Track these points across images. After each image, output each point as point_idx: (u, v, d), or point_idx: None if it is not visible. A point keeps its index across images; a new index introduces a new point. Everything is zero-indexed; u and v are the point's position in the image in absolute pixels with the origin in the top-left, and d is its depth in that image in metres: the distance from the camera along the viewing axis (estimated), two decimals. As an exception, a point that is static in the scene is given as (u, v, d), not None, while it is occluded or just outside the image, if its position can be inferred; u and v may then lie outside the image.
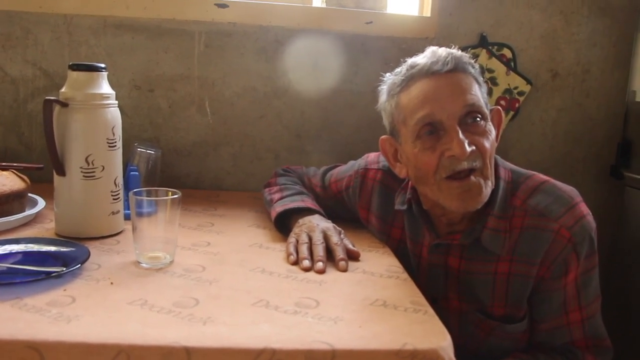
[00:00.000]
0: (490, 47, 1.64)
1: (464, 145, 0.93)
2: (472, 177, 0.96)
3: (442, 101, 0.96)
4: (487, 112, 1.00)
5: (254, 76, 1.59)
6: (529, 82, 1.66)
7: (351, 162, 1.29)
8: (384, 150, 1.11)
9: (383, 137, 1.10)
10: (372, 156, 1.25)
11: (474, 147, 0.95)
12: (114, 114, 1.10)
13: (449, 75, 0.97)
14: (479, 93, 0.99)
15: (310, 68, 1.59)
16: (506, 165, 1.07)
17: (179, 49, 1.55)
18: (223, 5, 1.53)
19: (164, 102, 1.58)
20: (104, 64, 1.11)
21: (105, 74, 1.10)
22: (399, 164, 1.08)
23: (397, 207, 1.14)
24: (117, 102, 1.11)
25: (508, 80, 1.65)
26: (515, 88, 1.66)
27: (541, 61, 1.67)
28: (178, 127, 1.59)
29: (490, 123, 1.00)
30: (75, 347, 0.67)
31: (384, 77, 1.09)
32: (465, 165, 0.95)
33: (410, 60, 1.03)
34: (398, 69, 1.05)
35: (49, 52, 1.52)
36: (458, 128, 0.95)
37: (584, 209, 1.00)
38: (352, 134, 1.64)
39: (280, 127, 1.62)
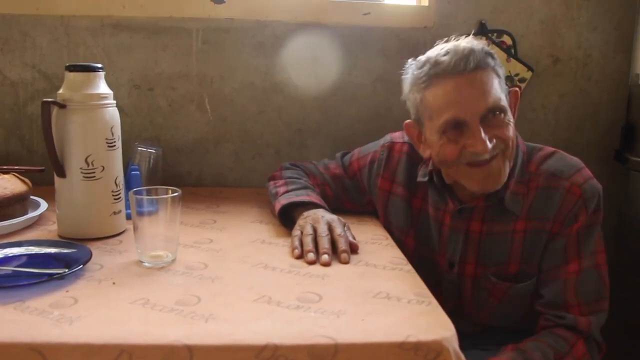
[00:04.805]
0: (489, 35, 1.62)
1: (485, 143, 1.00)
2: (493, 162, 1.03)
3: (466, 103, 1.01)
4: (506, 105, 1.04)
5: (252, 72, 1.58)
6: (530, 68, 1.64)
7: (371, 143, 1.33)
8: (408, 132, 1.18)
9: (407, 121, 1.16)
10: (395, 134, 1.30)
11: (494, 141, 1.01)
12: (113, 113, 1.09)
13: (471, 75, 1.01)
14: (498, 88, 1.04)
15: (309, 62, 1.59)
16: (521, 139, 1.14)
17: (176, 47, 1.55)
18: (220, 1, 1.52)
19: (164, 100, 1.57)
20: (103, 64, 1.10)
21: (102, 73, 1.09)
22: (422, 145, 1.14)
23: (419, 179, 1.20)
24: (115, 101, 1.11)
25: (509, 67, 1.63)
26: (516, 75, 1.64)
27: (542, 47, 1.65)
28: (178, 125, 1.59)
29: (509, 113, 1.05)
30: (77, 348, 0.67)
31: (409, 62, 1.11)
32: (487, 156, 1.02)
33: (434, 56, 1.05)
34: (421, 59, 1.07)
35: (47, 54, 1.52)
36: (480, 127, 1.01)
37: (590, 172, 1.09)
38: (352, 126, 1.63)
39: (280, 122, 1.62)
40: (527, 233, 1.08)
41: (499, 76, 1.05)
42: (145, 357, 0.67)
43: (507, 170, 1.05)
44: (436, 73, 1.03)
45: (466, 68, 1.00)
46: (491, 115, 1.02)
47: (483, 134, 1.00)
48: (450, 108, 1.01)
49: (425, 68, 1.05)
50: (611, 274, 1.09)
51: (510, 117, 1.05)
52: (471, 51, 1.01)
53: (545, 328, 1.06)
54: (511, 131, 1.04)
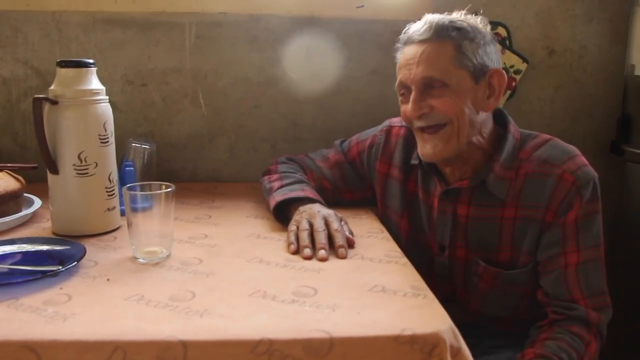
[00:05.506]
0: (484, 27, 1.61)
1: (411, 108, 1.07)
2: (441, 132, 1.07)
3: (409, 69, 1.07)
4: (449, 80, 1.04)
5: (246, 66, 1.57)
6: (525, 60, 1.64)
7: (371, 128, 1.35)
8: None
9: None
10: (394, 119, 1.31)
11: (426, 110, 1.06)
12: (105, 109, 1.09)
13: (421, 44, 1.07)
14: (449, 61, 1.04)
15: (303, 55, 1.58)
16: (516, 126, 1.15)
17: (170, 42, 1.54)
18: (212, -5, 1.52)
19: (158, 96, 1.56)
20: (95, 60, 1.10)
21: (94, 69, 1.08)
22: None
23: (412, 161, 1.22)
24: (107, 97, 1.10)
25: (504, 59, 1.63)
26: (512, 67, 1.64)
27: (537, 39, 1.65)
28: (172, 121, 1.58)
29: (454, 88, 1.04)
30: (71, 345, 0.67)
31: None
32: (422, 123, 1.08)
33: (410, 26, 1.12)
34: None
35: (39, 50, 1.51)
36: (418, 93, 1.06)
37: (585, 160, 1.07)
38: (348, 120, 1.62)
39: (275, 116, 1.61)
40: (517, 220, 1.07)
41: (460, 51, 1.04)
42: (140, 353, 0.67)
43: (454, 144, 1.06)
44: (402, 41, 1.12)
45: (416, 38, 1.07)
46: (432, 86, 1.05)
47: (414, 99, 1.06)
48: (400, 72, 1.10)
49: (401, 36, 1.14)
50: (608, 265, 1.08)
51: (456, 90, 1.04)
52: (428, 23, 1.07)
53: (555, 321, 1.03)
54: (453, 104, 1.04)
